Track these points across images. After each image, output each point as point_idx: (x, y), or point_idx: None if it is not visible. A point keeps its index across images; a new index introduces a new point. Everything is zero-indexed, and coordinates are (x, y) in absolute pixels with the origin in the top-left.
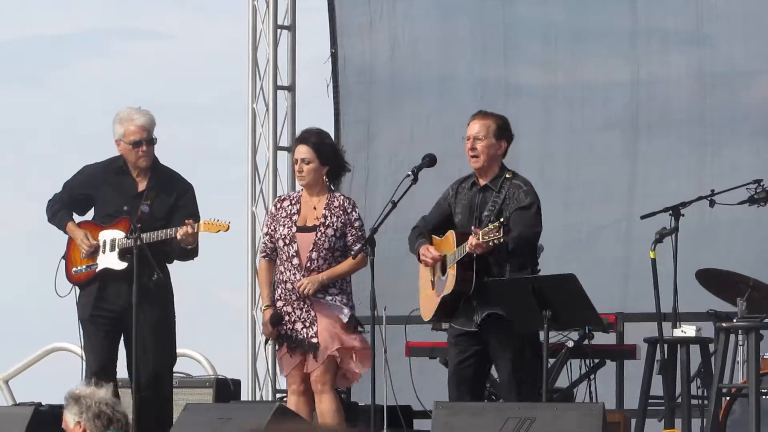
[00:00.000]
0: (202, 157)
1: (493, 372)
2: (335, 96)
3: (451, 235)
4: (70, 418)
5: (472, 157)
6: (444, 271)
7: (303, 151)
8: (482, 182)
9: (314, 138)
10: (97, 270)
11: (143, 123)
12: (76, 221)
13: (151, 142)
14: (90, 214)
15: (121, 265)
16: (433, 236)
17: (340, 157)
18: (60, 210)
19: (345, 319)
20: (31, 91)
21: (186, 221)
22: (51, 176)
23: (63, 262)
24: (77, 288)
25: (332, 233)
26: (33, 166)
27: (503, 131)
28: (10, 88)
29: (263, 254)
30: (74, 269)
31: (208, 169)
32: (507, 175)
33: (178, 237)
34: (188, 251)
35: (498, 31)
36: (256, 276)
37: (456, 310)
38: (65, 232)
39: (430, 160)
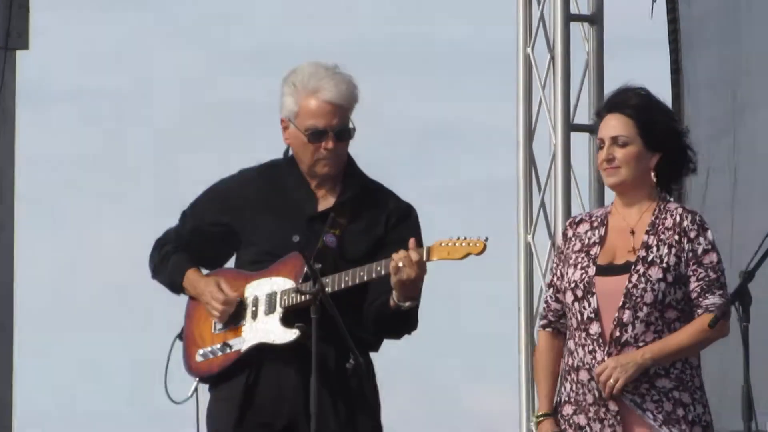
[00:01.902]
0: (428, 139)
1: None
2: (672, 36)
3: None
4: None
5: None
6: None
7: (615, 124)
8: None
9: (636, 101)
10: (243, 350)
11: (334, 97)
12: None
13: (344, 134)
14: (230, 264)
15: (288, 336)
16: None
17: (682, 139)
18: (174, 253)
19: None
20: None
21: (410, 245)
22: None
23: (180, 343)
24: (206, 387)
25: (660, 275)
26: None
27: None
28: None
29: (544, 322)
30: (200, 352)
31: (439, 167)
32: None
33: (392, 269)
34: (400, 316)
35: None
36: (532, 362)
37: None
38: (182, 290)
39: None
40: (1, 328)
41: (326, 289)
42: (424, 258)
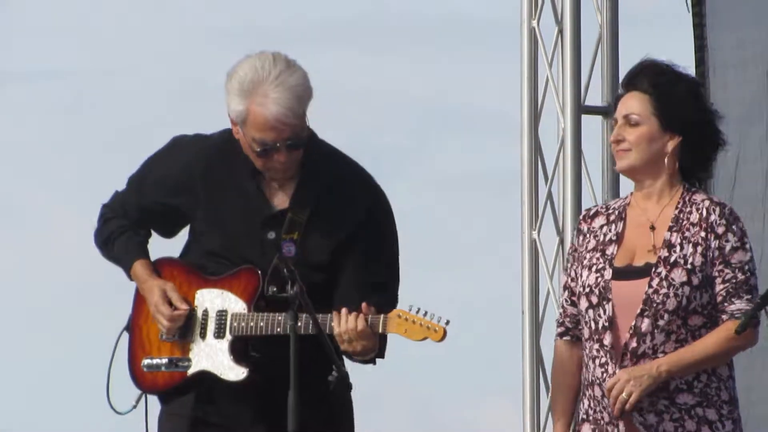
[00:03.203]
0: (422, 123)
1: None
2: (696, 8)
3: None
4: None
5: None
6: None
7: (629, 102)
8: None
9: (655, 75)
10: (189, 373)
11: (281, 114)
12: (152, 255)
13: (297, 144)
14: (180, 240)
15: (236, 375)
16: None
17: (707, 117)
18: (120, 235)
19: None
20: None
21: (363, 305)
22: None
23: (127, 337)
24: (157, 399)
25: (684, 278)
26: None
27: None
28: None
29: (561, 330)
30: (146, 363)
31: (435, 154)
32: None
33: (335, 334)
34: (358, 360)
35: None
36: (538, 374)
37: None
38: (129, 277)
39: None
40: None
41: (258, 331)
42: (380, 330)
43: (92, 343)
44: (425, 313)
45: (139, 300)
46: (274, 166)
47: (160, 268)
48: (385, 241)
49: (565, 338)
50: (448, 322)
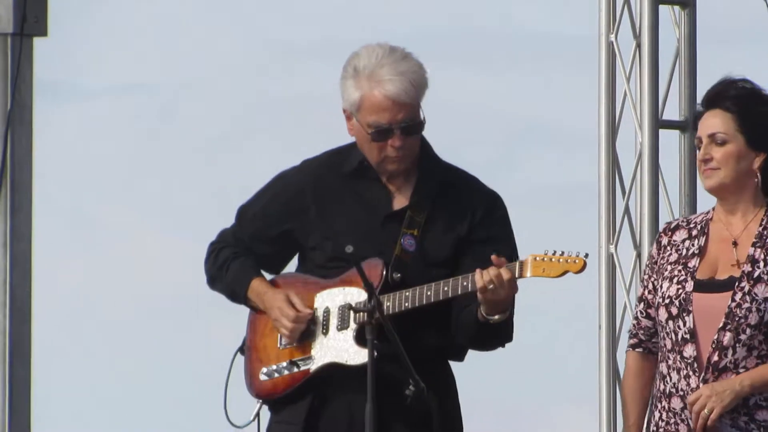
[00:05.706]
0: (499, 138)
1: None
2: None
3: None
4: None
5: None
6: None
7: (713, 121)
8: None
9: (737, 93)
10: (313, 370)
11: (398, 93)
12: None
13: (412, 129)
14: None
15: (363, 357)
16: None
17: None
18: (233, 260)
19: None
20: None
21: (494, 258)
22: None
23: (241, 357)
24: (267, 408)
25: (767, 293)
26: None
27: None
28: None
29: (634, 341)
30: (265, 371)
31: (512, 170)
32: None
33: (479, 287)
34: (490, 329)
35: None
36: (614, 388)
37: None
38: (246, 301)
39: None
40: (18, 352)
41: (401, 302)
42: (517, 275)
43: (175, 361)
44: (561, 253)
45: (253, 320)
46: (389, 152)
47: (275, 285)
48: (502, 234)
49: (637, 350)
50: (587, 255)
